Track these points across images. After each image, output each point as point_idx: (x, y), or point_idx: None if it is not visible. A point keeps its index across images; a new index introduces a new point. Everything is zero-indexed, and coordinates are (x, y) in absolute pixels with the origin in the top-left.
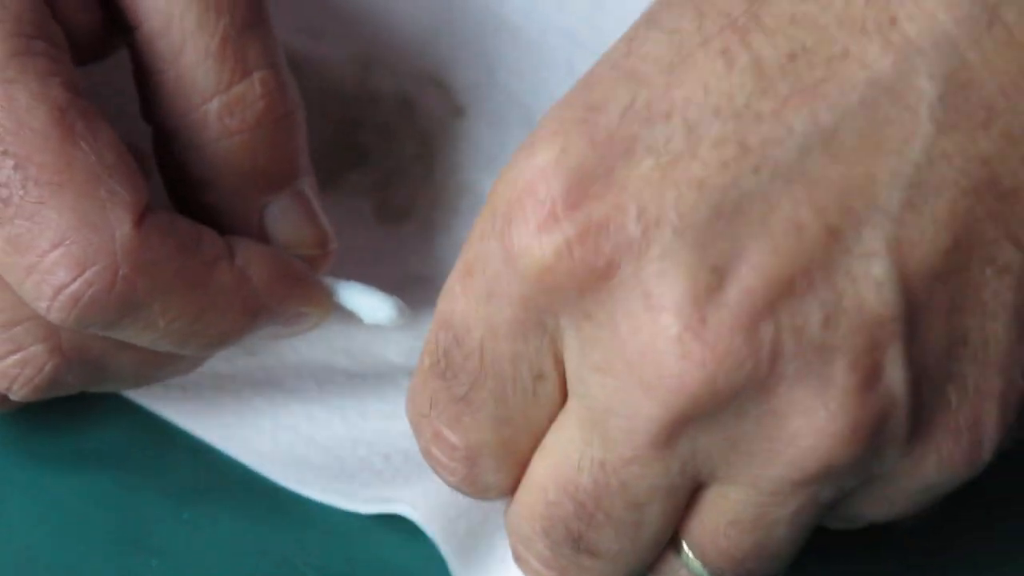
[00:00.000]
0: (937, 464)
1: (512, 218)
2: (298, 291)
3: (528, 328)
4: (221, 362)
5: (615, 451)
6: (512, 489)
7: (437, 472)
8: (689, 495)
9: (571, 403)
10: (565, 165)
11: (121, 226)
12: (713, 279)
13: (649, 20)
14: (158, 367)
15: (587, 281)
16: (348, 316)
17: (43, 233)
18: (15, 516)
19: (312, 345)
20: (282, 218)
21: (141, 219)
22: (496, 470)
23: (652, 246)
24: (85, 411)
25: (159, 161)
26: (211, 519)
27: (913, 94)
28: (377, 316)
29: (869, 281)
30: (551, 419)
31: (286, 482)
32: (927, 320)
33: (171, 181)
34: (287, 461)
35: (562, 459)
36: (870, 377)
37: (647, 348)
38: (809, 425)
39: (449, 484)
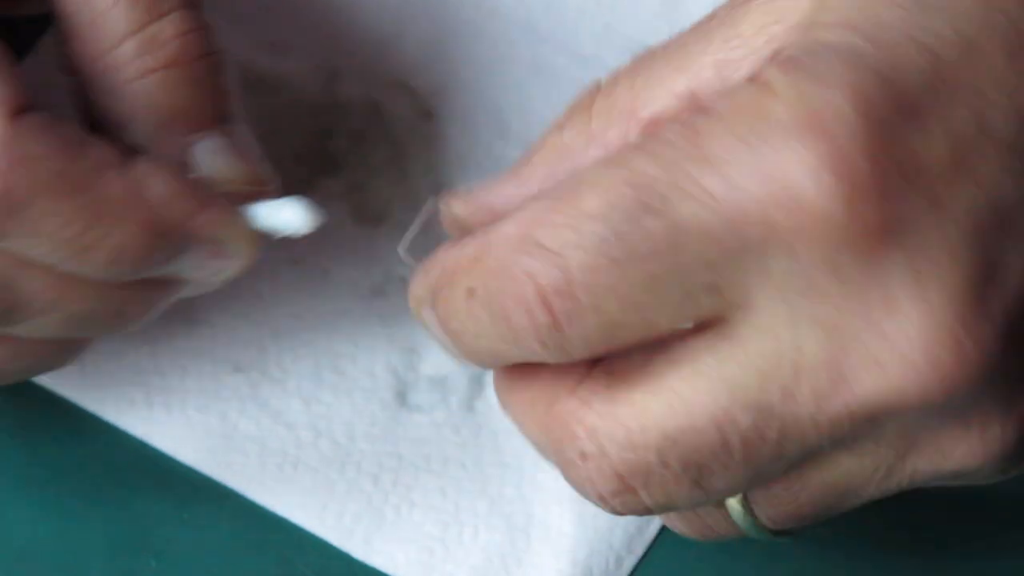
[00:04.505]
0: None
1: (796, 137)
2: (208, 213)
3: (749, 248)
4: (205, 380)
5: (795, 409)
6: (583, 361)
7: (515, 304)
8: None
9: (752, 339)
10: (864, 112)
11: None
12: (982, 279)
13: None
14: (76, 300)
15: (854, 234)
16: (335, 327)
17: None
18: (15, 516)
19: (299, 359)
20: (208, 157)
21: (16, 114)
22: (585, 342)
23: (935, 232)
24: (84, 412)
25: (81, 112)
26: (211, 519)
27: None
28: (295, 225)
29: None
30: (674, 328)
31: (276, 508)
32: None
33: (93, 129)
34: (276, 486)
35: (726, 392)
36: None
37: (894, 329)
38: (962, 428)
39: (514, 323)
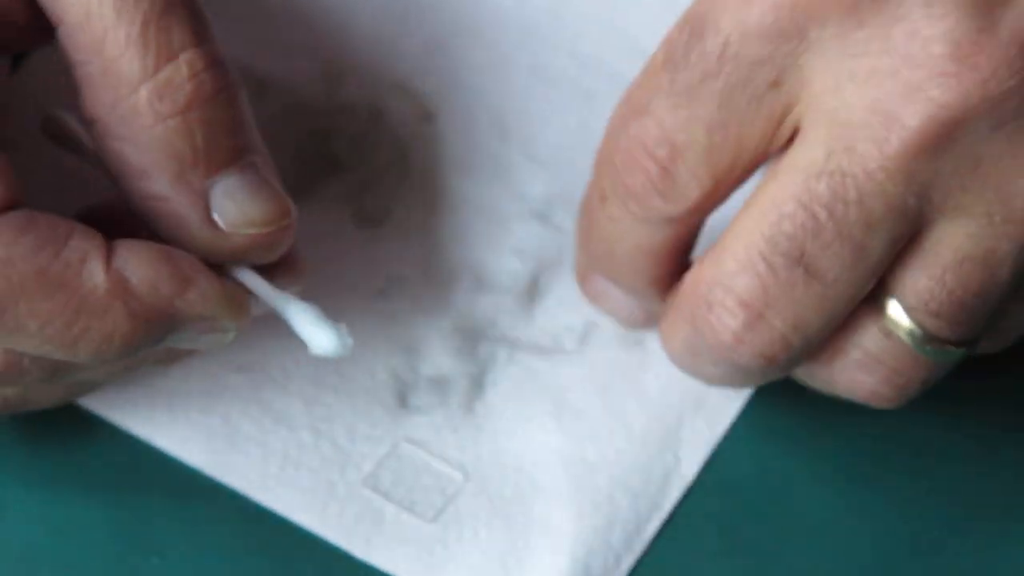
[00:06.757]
0: None
1: None
2: (194, 291)
3: (786, 32)
4: (208, 381)
5: (861, 162)
6: (702, 203)
7: (630, 171)
8: (914, 230)
9: (811, 117)
10: None
11: None
12: None
13: None
14: (72, 374)
15: None
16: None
17: None
18: (16, 515)
19: (300, 361)
20: (228, 197)
21: None
22: (693, 176)
23: None
24: (87, 412)
25: (103, 156)
26: (212, 517)
27: None
28: (322, 347)
29: None
30: (764, 137)
31: (277, 508)
32: None
33: (116, 176)
34: (277, 486)
35: (800, 172)
36: None
37: (921, 52)
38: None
39: (635, 188)
